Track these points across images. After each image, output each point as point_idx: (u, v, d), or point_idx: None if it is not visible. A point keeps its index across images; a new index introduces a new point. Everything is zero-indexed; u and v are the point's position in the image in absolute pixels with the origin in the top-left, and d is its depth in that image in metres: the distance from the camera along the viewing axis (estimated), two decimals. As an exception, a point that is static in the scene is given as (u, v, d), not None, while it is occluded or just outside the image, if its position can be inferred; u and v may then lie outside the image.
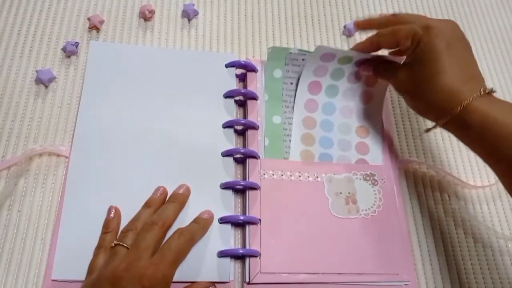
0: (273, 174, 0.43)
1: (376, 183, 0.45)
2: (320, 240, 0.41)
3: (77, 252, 0.37)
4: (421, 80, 0.39)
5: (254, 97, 0.46)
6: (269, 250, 0.40)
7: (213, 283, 0.39)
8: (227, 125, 0.45)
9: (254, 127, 0.45)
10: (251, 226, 0.41)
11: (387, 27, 0.42)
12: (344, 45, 0.54)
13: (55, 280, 0.37)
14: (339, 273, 0.40)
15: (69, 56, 0.48)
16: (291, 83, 0.47)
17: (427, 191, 0.47)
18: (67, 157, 0.42)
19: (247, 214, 0.41)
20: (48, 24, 0.49)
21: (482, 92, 0.37)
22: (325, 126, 0.47)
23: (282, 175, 0.44)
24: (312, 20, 0.55)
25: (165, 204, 0.40)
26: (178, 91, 0.46)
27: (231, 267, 0.40)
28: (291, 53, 0.46)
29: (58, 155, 0.43)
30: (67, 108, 0.45)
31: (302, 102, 0.47)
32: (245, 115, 0.47)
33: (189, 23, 0.52)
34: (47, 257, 0.38)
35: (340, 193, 0.44)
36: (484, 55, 0.57)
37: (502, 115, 0.36)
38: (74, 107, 0.45)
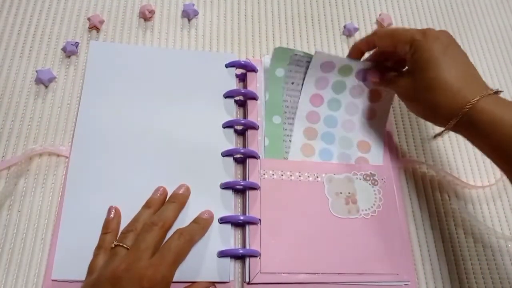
0: (273, 174, 0.43)
1: (376, 183, 0.45)
2: (320, 240, 0.41)
3: (77, 252, 0.37)
4: (424, 84, 0.39)
5: (254, 97, 0.46)
6: (269, 250, 0.40)
7: (213, 283, 0.39)
8: (227, 125, 0.45)
9: (254, 127, 0.45)
10: (251, 226, 0.41)
11: (373, 44, 0.43)
12: (344, 45, 0.54)
13: (55, 280, 0.37)
14: (339, 273, 0.40)
15: (69, 56, 0.48)
16: (292, 83, 0.47)
17: (427, 191, 0.47)
18: (67, 157, 0.42)
19: (247, 214, 0.41)
20: (48, 24, 0.49)
21: (489, 92, 0.37)
22: (326, 137, 0.46)
23: (282, 175, 0.44)
24: (312, 20, 0.55)
25: (165, 204, 0.40)
26: (178, 91, 0.46)
27: (231, 267, 0.40)
28: (296, 54, 0.45)
29: (58, 155, 0.43)
30: (67, 108, 0.45)
31: (304, 113, 0.46)
32: (245, 115, 0.47)
33: (189, 23, 0.52)
34: (47, 257, 0.38)
35: (340, 193, 0.44)
36: (484, 55, 0.57)
37: (510, 114, 0.36)
38: (74, 107, 0.45)
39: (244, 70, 0.48)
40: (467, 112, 0.37)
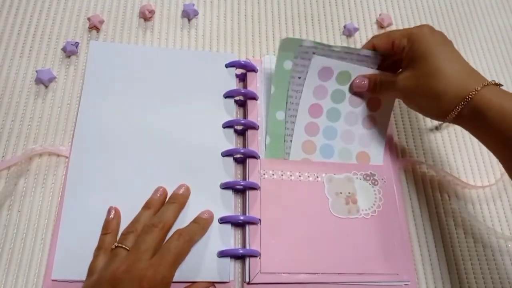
0: (273, 174, 0.43)
1: (376, 183, 0.45)
2: (320, 240, 0.41)
3: (77, 252, 0.38)
4: (425, 74, 0.39)
5: (254, 97, 0.46)
6: (269, 250, 0.40)
7: (213, 283, 0.39)
8: (227, 125, 0.45)
9: (254, 127, 0.45)
10: (251, 226, 0.41)
11: (372, 46, 0.45)
12: (344, 45, 0.54)
13: (55, 280, 0.37)
14: (339, 273, 0.40)
15: (69, 56, 0.48)
16: (299, 77, 0.45)
17: (427, 191, 0.47)
18: (67, 157, 0.42)
19: (247, 214, 0.41)
20: (48, 24, 0.49)
21: (490, 82, 0.37)
22: (325, 150, 0.46)
23: (282, 175, 0.44)
24: (312, 20, 0.55)
25: (165, 205, 0.40)
26: (178, 91, 0.46)
27: (231, 267, 0.40)
28: (301, 46, 0.44)
29: (58, 155, 0.43)
30: (67, 108, 0.45)
31: (303, 124, 0.46)
32: (245, 115, 0.47)
33: (189, 23, 0.52)
34: (47, 257, 0.38)
35: (340, 193, 0.44)
36: (484, 55, 0.57)
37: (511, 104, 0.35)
38: (74, 107, 0.45)
39: (244, 70, 0.48)
40: (471, 100, 0.36)
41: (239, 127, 0.46)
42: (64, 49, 0.48)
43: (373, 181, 0.45)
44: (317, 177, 0.44)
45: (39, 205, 0.41)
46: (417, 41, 0.40)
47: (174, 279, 0.35)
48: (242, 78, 0.49)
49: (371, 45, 0.45)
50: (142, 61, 0.47)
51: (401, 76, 0.42)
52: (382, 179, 0.46)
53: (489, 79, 0.38)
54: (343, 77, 0.46)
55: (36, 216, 0.40)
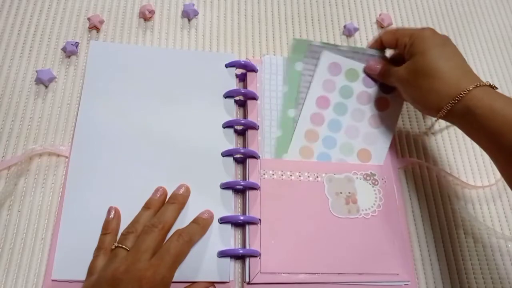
0: (273, 174, 0.43)
1: (376, 183, 0.45)
2: (320, 240, 0.41)
3: (77, 252, 0.38)
4: (421, 70, 0.40)
5: (254, 97, 0.46)
6: (269, 250, 0.40)
7: (213, 283, 0.39)
8: (227, 125, 0.45)
9: (254, 127, 0.45)
10: (251, 226, 0.41)
11: (380, 41, 0.47)
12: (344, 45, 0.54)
13: (55, 280, 0.37)
14: (339, 273, 0.40)
15: (69, 56, 0.48)
16: (309, 75, 0.47)
17: (427, 191, 0.47)
18: (67, 157, 0.42)
19: (247, 214, 0.41)
20: (48, 24, 0.49)
21: (484, 83, 0.38)
22: (328, 141, 0.46)
23: (282, 175, 0.44)
24: (312, 20, 0.55)
25: (165, 205, 0.40)
26: (178, 91, 0.46)
27: (231, 267, 0.40)
28: (311, 45, 0.46)
29: (58, 155, 0.43)
30: (67, 108, 0.45)
31: (309, 114, 0.46)
32: (245, 115, 0.47)
33: (189, 23, 0.52)
34: (47, 257, 0.38)
35: (340, 193, 0.44)
36: (484, 55, 0.57)
37: (503, 105, 0.37)
38: (74, 107, 0.45)
39: (244, 70, 0.48)
40: (462, 99, 0.38)
41: (239, 127, 0.46)
42: (64, 49, 0.48)
43: (373, 181, 0.45)
44: (317, 177, 0.44)
45: (39, 205, 0.41)
46: (418, 39, 0.42)
47: (174, 279, 0.35)
48: (242, 78, 0.49)
49: (379, 40, 0.47)
50: (142, 61, 0.47)
51: (401, 68, 0.43)
52: (382, 179, 0.46)
53: (489, 79, 0.38)
54: (351, 74, 0.47)
55: (36, 216, 0.40)
